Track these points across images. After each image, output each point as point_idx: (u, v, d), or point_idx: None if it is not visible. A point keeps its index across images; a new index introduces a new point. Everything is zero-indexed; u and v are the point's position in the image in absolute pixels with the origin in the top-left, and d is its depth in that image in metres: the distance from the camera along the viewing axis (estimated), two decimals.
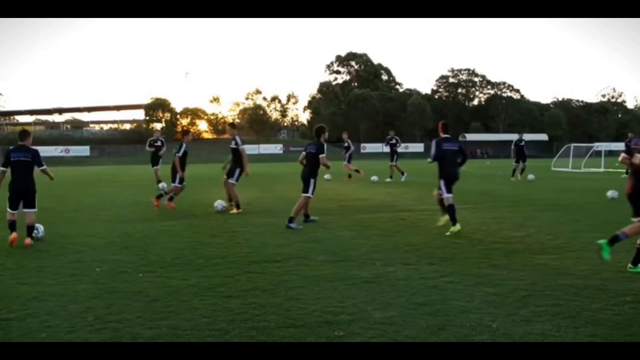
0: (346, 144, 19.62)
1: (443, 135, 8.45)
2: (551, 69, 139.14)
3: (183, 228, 8.59)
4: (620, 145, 44.89)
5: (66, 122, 79.31)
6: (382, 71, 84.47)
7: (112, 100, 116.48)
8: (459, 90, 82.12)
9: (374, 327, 3.83)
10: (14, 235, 7.25)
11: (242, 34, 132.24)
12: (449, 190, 8.20)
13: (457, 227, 7.85)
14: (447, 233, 7.78)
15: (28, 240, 7.27)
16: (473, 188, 15.99)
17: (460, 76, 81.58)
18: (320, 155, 8.67)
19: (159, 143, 17.40)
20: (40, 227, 7.89)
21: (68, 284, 5.15)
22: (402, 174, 19.02)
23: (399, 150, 20.11)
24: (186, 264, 5.95)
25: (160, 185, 15.52)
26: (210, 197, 13.84)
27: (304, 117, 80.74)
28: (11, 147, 7.69)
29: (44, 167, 7.79)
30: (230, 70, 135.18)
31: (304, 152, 9.05)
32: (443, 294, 4.65)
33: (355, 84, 79.88)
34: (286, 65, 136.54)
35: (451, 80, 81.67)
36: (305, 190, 8.74)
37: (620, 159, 6.03)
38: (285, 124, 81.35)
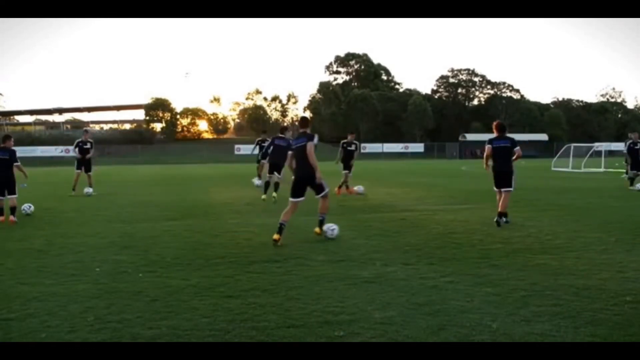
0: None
1: (280, 135, 12.78)
2: (551, 69, 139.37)
3: (183, 228, 8.59)
4: (620, 145, 44.93)
5: (66, 122, 79.33)
6: (382, 71, 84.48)
7: (112, 100, 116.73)
8: (459, 90, 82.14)
9: (374, 327, 3.83)
10: (1, 217, 9.52)
11: (242, 34, 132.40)
12: (270, 172, 12.64)
13: (263, 196, 12.28)
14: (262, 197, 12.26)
15: (12, 218, 9.44)
16: (473, 188, 16.00)
17: (460, 76, 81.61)
18: (515, 148, 8.65)
19: (88, 145, 15.24)
20: (31, 206, 10.60)
21: (68, 284, 5.15)
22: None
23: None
24: (186, 264, 5.95)
25: (87, 190, 14.61)
26: (211, 197, 13.86)
27: None
28: None
29: (18, 164, 9.84)
30: (230, 70, 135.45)
31: (489, 146, 8.76)
32: (443, 294, 4.65)
33: (355, 84, 79.91)
34: (286, 65, 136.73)
35: (451, 80, 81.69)
36: (509, 185, 8.63)
37: None
38: (286, 124, 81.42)
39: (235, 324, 3.93)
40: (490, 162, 8.79)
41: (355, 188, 14.22)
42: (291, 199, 7.40)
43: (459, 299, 4.48)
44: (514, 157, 8.65)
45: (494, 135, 8.86)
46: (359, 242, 7.14)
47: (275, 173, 12.62)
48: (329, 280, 5.16)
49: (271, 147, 12.69)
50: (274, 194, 12.21)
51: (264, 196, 12.32)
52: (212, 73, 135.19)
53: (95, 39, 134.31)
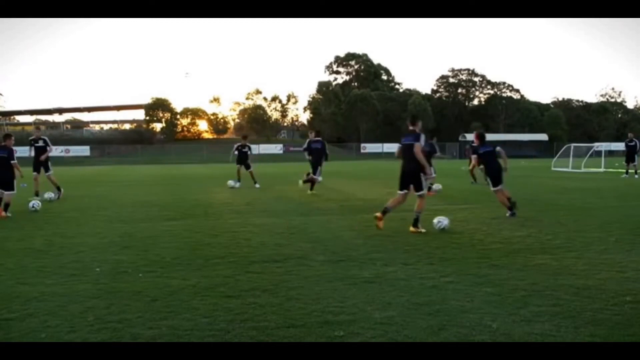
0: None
1: (315, 138, 14.52)
2: (551, 69, 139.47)
3: (183, 228, 8.59)
4: (620, 145, 44.92)
5: (66, 122, 79.39)
6: (382, 71, 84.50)
7: (112, 100, 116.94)
8: (459, 90, 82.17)
9: (374, 327, 3.83)
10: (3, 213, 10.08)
11: (242, 34, 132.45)
12: (314, 172, 14.28)
13: (309, 191, 13.98)
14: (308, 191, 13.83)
15: (2, 212, 10.06)
16: (473, 188, 15.99)
17: (460, 76, 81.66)
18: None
19: (40, 143, 13.42)
20: (37, 203, 11.23)
21: (68, 284, 5.15)
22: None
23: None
24: (186, 264, 5.95)
25: (48, 195, 12.85)
26: (211, 197, 13.86)
27: (304, 117, 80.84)
28: None
29: (14, 162, 10.41)
30: (230, 70, 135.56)
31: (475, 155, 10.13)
32: (443, 294, 4.65)
33: (355, 84, 79.92)
34: (286, 65, 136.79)
35: (451, 80, 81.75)
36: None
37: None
38: (285, 124, 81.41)
39: (235, 324, 3.93)
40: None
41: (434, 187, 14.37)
42: (398, 192, 8.18)
43: (459, 299, 4.48)
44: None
45: (477, 144, 9.95)
46: (359, 242, 7.14)
47: (316, 172, 14.34)
48: (329, 280, 5.16)
49: (310, 149, 14.54)
50: (302, 182, 14.43)
51: (302, 184, 14.40)
52: (212, 73, 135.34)
53: (95, 39, 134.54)
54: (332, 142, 69.27)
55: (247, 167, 17.19)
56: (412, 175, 7.94)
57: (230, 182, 16.94)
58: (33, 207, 11.00)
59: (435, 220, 8.04)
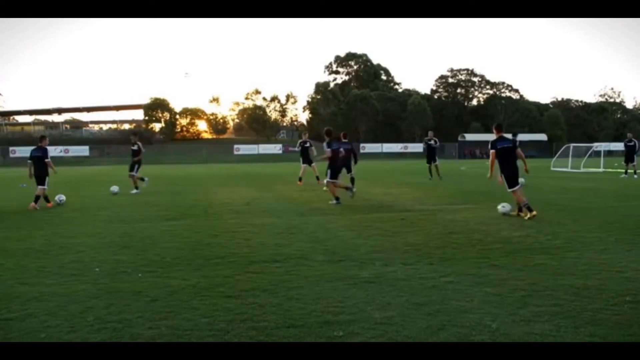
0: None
1: (344, 140, 14.03)
2: (550, 69, 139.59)
3: (183, 228, 8.59)
4: (619, 145, 44.94)
5: (65, 122, 79.35)
6: (382, 71, 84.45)
7: (112, 100, 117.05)
8: (458, 90, 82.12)
9: (374, 327, 3.83)
10: (49, 204, 11.70)
11: (242, 34, 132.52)
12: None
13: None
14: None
15: (33, 204, 11.38)
16: (473, 188, 15.99)
17: (460, 76, 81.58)
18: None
19: None
20: (63, 197, 12.36)
21: (68, 284, 5.15)
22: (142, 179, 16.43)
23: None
24: (186, 264, 5.95)
25: None
26: (210, 197, 13.86)
27: (304, 117, 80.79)
28: (33, 148, 12.09)
29: (48, 160, 11.72)
30: (230, 70, 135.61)
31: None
32: (443, 294, 4.65)
33: (355, 84, 79.86)
34: (286, 65, 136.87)
35: (450, 80, 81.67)
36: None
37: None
38: (285, 124, 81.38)
39: (235, 324, 3.93)
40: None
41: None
42: (513, 190, 9.34)
43: (459, 299, 4.48)
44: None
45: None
46: (359, 242, 7.14)
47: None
48: (329, 280, 5.16)
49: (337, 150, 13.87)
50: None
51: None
52: (212, 73, 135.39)
53: (95, 39, 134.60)
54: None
55: (132, 168, 15.86)
56: (515, 174, 9.35)
57: (114, 188, 15.14)
58: (61, 201, 12.21)
59: (499, 207, 9.52)
